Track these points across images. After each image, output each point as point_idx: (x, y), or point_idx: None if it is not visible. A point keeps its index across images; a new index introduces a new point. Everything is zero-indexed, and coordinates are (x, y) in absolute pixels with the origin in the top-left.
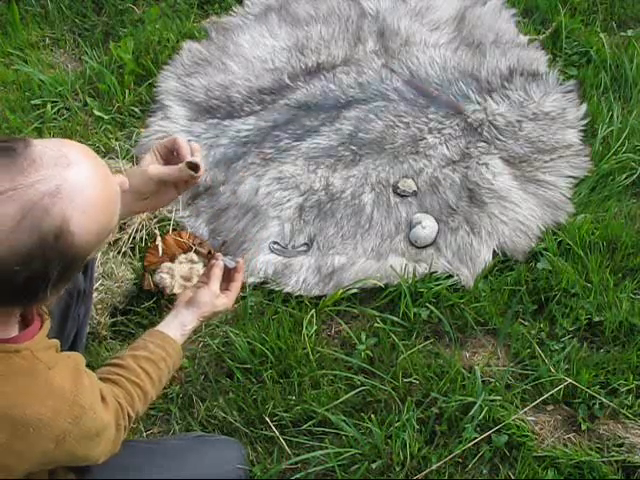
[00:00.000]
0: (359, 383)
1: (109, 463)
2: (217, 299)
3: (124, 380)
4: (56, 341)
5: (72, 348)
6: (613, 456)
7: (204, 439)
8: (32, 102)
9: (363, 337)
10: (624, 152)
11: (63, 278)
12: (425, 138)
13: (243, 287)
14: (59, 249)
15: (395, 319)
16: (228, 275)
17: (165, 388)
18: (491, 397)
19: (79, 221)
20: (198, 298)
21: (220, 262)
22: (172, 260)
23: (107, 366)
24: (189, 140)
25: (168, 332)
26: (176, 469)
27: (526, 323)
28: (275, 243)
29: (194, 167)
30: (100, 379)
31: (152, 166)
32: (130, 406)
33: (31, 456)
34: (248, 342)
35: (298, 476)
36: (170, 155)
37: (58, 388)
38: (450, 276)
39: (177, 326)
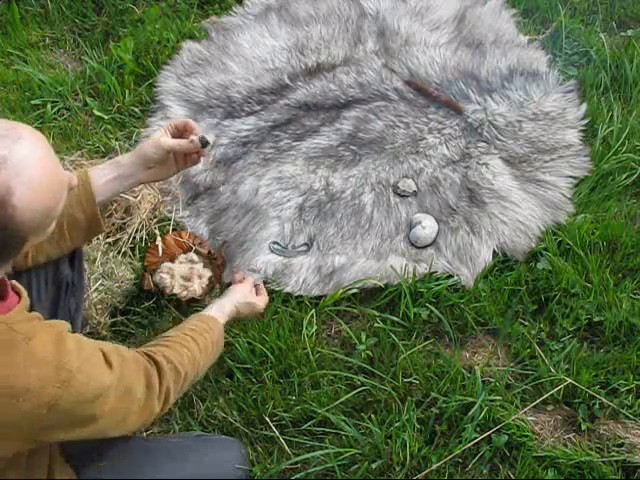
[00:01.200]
0: (359, 383)
1: (108, 462)
2: (250, 293)
3: (172, 342)
4: (37, 313)
5: None
6: (613, 456)
7: (204, 439)
8: (32, 102)
9: (363, 337)
10: (624, 152)
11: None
12: (425, 138)
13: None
14: None
15: (395, 319)
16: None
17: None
18: (491, 397)
19: (22, 196)
20: (232, 288)
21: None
22: (172, 260)
23: (155, 340)
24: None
25: (209, 312)
26: (176, 469)
27: (526, 323)
28: (275, 243)
29: (205, 143)
30: (149, 345)
31: (164, 137)
32: (179, 362)
33: (26, 423)
34: (248, 342)
35: (298, 476)
36: (178, 134)
37: (40, 356)
38: (450, 276)
39: (216, 308)
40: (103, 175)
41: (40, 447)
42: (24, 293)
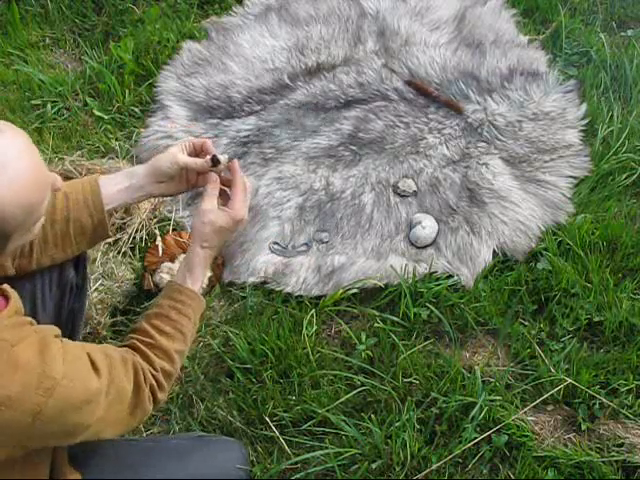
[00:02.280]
0: (359, 383)
1: (108, 462)
2: (213, 215)
3: (138, 343)
4: (29, 318)
5: None
6: (613, 456)
7: (204, 439)
8: (32, 102)
9: (363, 337)
10: (624, 152)
11: None
12: (425, 138)
13: (243, 287)
14: None
15: (395, 319)
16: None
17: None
18: (491, 397)
19: (4, 191)
20: (192, 224)
21: (212, 175)
22: (172, 260)
23: (128, 334)
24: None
25: (175, 279)
26: (176, 469)
27: (526, 323)
28: (275, 243)
29: (216, 162)
30: (121, 347)
31: (181, 154)
32: (151, 366)
33: (11, 432)
34: (248, 342)
35: (298, 476)
36: (195, 153)
37: (23, 363)
38: (450, 276)
39: (183, 267)
40: (115, 184)
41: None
42: (13, 296)
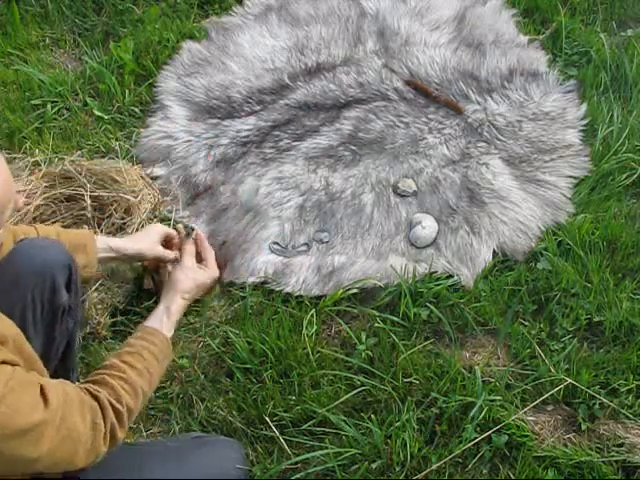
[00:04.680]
0: (359, 383)
1: (107, 463)
2: (195, 273)
3: (107, 377)
4: None
5: (63, 360)
6: (613, 456)
7: (202, 440)
8: (32, 102)
9: (363, 337)
10: (624, 152)
11: None
12: (425, 138)
13: (243, 287)
14: None
15: (395, 319)
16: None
17: (164, 387)
18: (491, 397)
19: None
20: (173, 277)
21: (189, 239)
22: None
23: (95, 370)
24: (189, 140)
25: (150, 323)
26: (175, 470)
27: (526, 323)
28: (275, 243)
29: (190, 231)
30: (86, 382)
31: (159, 246)
32: (116, 400)
33: None
34: (248, 342)
35: (298, 476)
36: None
37: None
38: (450, 276)
39: (161, 312)
40: (101, 251)
41: None
42: None
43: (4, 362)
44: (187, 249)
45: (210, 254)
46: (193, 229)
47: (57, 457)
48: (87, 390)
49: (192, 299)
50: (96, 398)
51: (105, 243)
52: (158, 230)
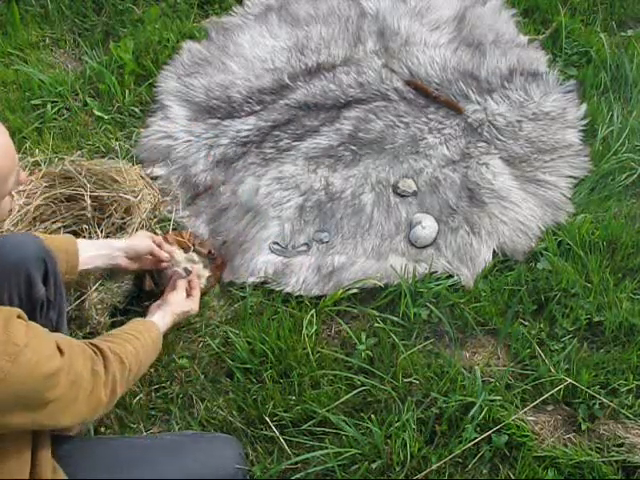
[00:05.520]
0: (359, 383)
1: (100, 461)
2: (184, 300)
3: (115, 338)
4: None
5: None
6: (613, 456)
7: (200, 435)
8: (32, 102)
9: (363, 337)
10: (624, 152)
11: None
12: (425, 138)
13: (243, 287)
14: None
15: (395, 319)
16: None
17: (164, 387)
18: (491, 397)
19: None
20: (169, 299)
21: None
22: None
23: (98, 338)
24: (189, 140)
25: (149, 318)
26: (171, 465)
27: (526, 323)
28: (275, 243)
29: (188, 272)
30: (92, 340)
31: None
32: (124, 355)
33: None
34: (248, 342)
35: (298, 476)
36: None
37: None
38: (450, 276)
39: (158, 315)
40: (95, 249)
41: (20, 446)
42: None
43: (19, 317)
44: (180, 283)
45: (197, 291)
46: (190, 272)
47: (64, 402)
48: (90, 343)
49: (174, 324)
50: (99, 349)
51: (94, 244)
52: (145, 233)
